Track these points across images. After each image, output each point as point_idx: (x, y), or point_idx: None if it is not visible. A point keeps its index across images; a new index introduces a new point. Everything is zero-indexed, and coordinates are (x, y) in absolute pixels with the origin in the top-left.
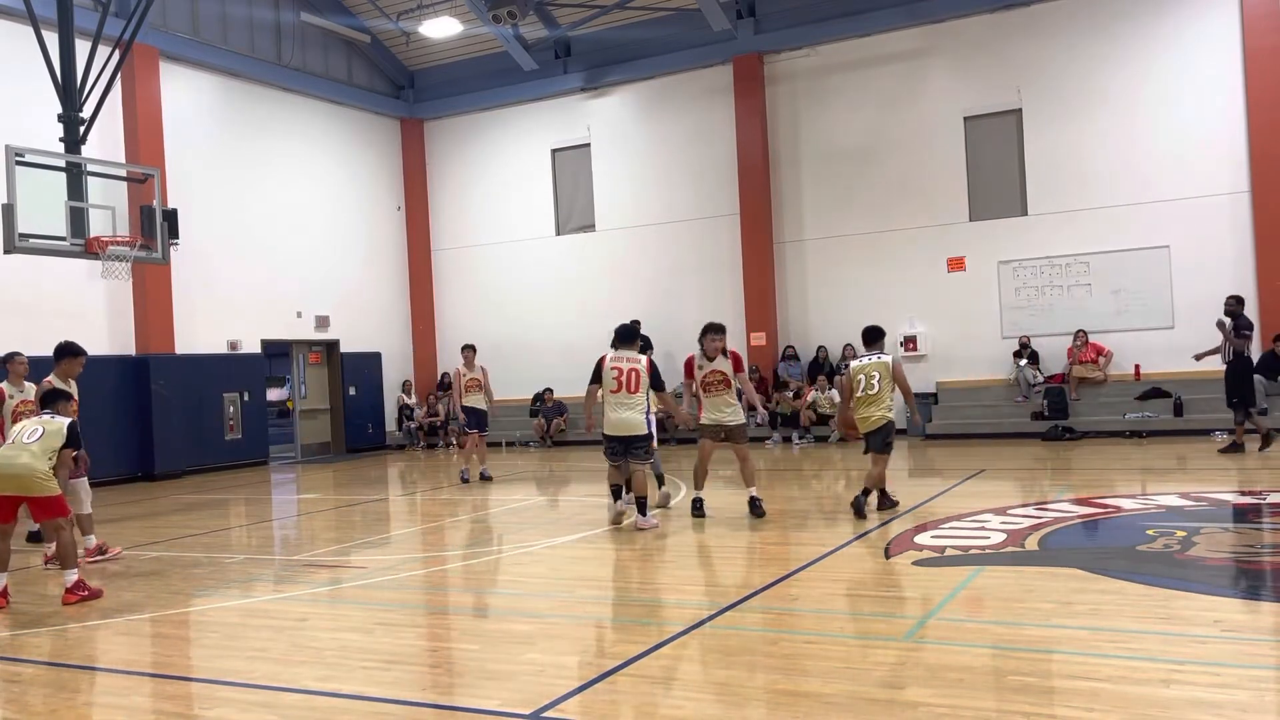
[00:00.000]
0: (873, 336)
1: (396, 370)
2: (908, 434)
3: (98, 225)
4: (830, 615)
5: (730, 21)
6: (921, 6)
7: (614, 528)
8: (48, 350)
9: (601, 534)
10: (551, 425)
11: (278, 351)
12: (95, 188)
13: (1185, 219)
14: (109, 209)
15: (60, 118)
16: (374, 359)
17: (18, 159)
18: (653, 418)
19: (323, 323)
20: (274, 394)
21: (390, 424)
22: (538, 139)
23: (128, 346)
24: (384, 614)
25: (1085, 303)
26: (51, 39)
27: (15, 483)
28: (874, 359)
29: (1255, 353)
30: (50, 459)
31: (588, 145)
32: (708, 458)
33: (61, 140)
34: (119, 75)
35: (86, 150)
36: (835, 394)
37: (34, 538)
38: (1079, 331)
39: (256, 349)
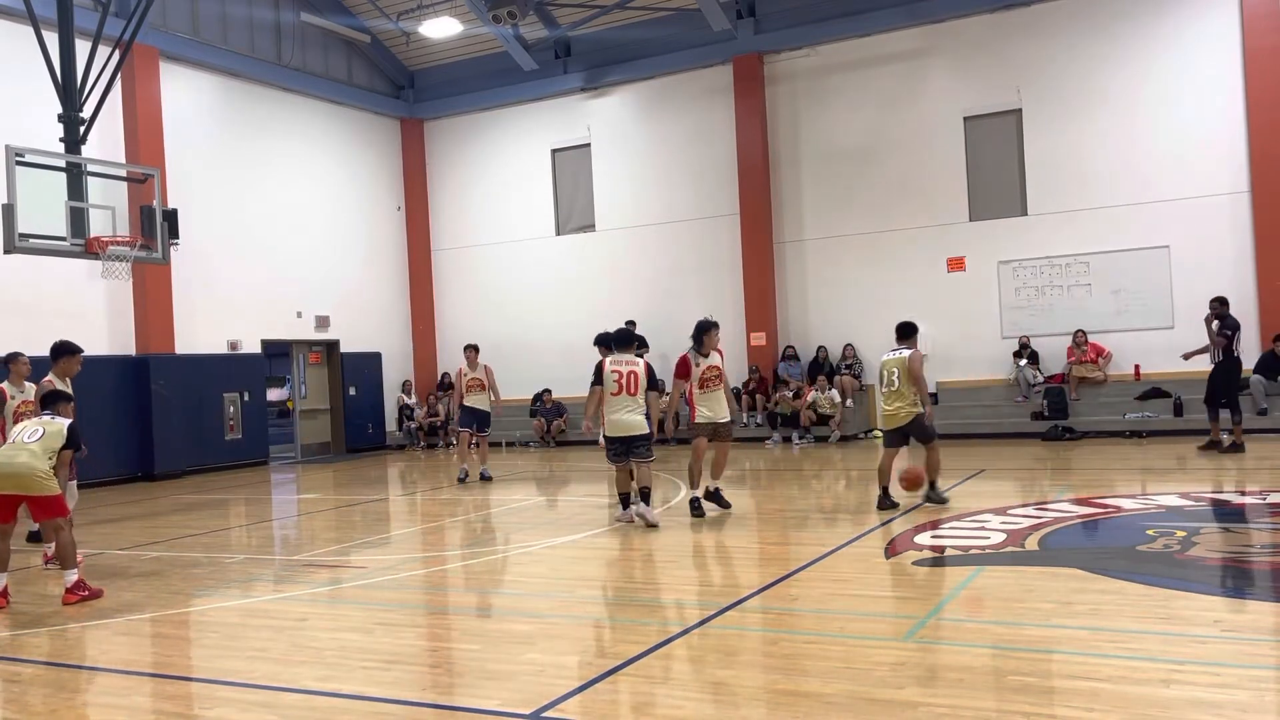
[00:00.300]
0: (902, 331)
1: (396, 370)
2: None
3: (98, 225)
4: (830, 615)
5: (730, 21)
6: (921, 6)
7: (613, 528)
8: (48, 350)
9: (601, 534)
10: (551, 426)
11: (278, 351)
12: (95, 188)
13: (1185, 219)
14: (109, 209)
15: (60, 118)
16: (374, 359)
17: (18, 159)
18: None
19: (323, 323)
20: (274, 394)
21: (390, 424)
22: (538, 139)
23: (128, 346)
24: (384, 614)
25: (1085, 303)
26: (51, 39)
27: (15, 482)
28: (895, 354)
29: (1255, 352)
30: (50, 459)
31: (588, 145)
32: (702, 456)
33: (61, 140)
34: (119, 75)
35: (86, 150)
36: (835, 394)
37: (34, 538)
38: (1078, 331)
39: (256, 349)
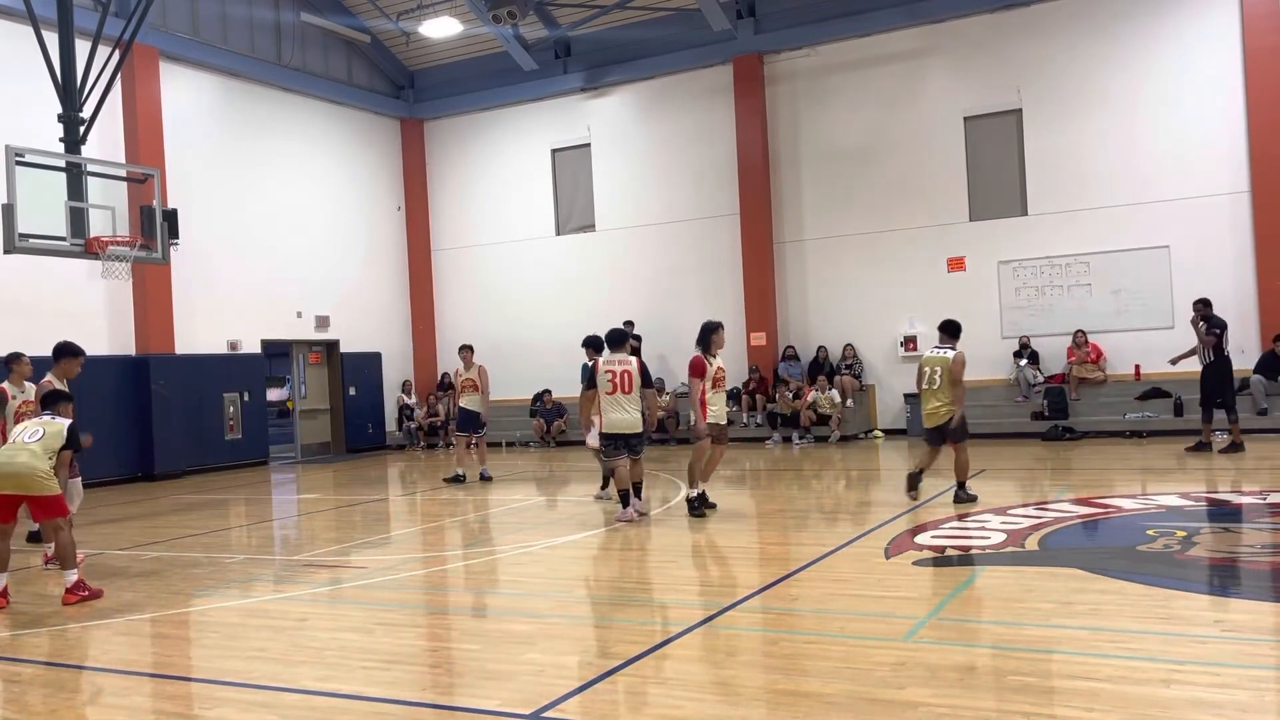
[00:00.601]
0: (946, 329)
1: (396, 370)
2: (907, 433)
3: (98, 225)
4: (830, 615)
5: (730, 21)
6: (921, 6)
7: (614, 528)
8: (48, 350)
9: (601, 534)
10: (551, 426)
11: (278, 351)
12: (95, 188)
13: (1185, 219)
14: (109, 209)
15: (60, 118)
16: (374, 359)
17: (18, 159)
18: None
19: (323, 323)
20: (274, 394)
21: (390, 424)
22: (538, 139)
23: (128, 346)
24: (384, 614)
25: (1085, 303)
26: (51, 39)
27: (15, 482)
28: (940, 353)
29: (1255, 352)
30: (50, 459)
31: (588, 145)
32: (704, 456)
33: (61, 140)
34: (119, 75)
35: (86, 150)
36: (835, 394)
37: (34, 538)
38: (1078, 331)
39: (256, 349)
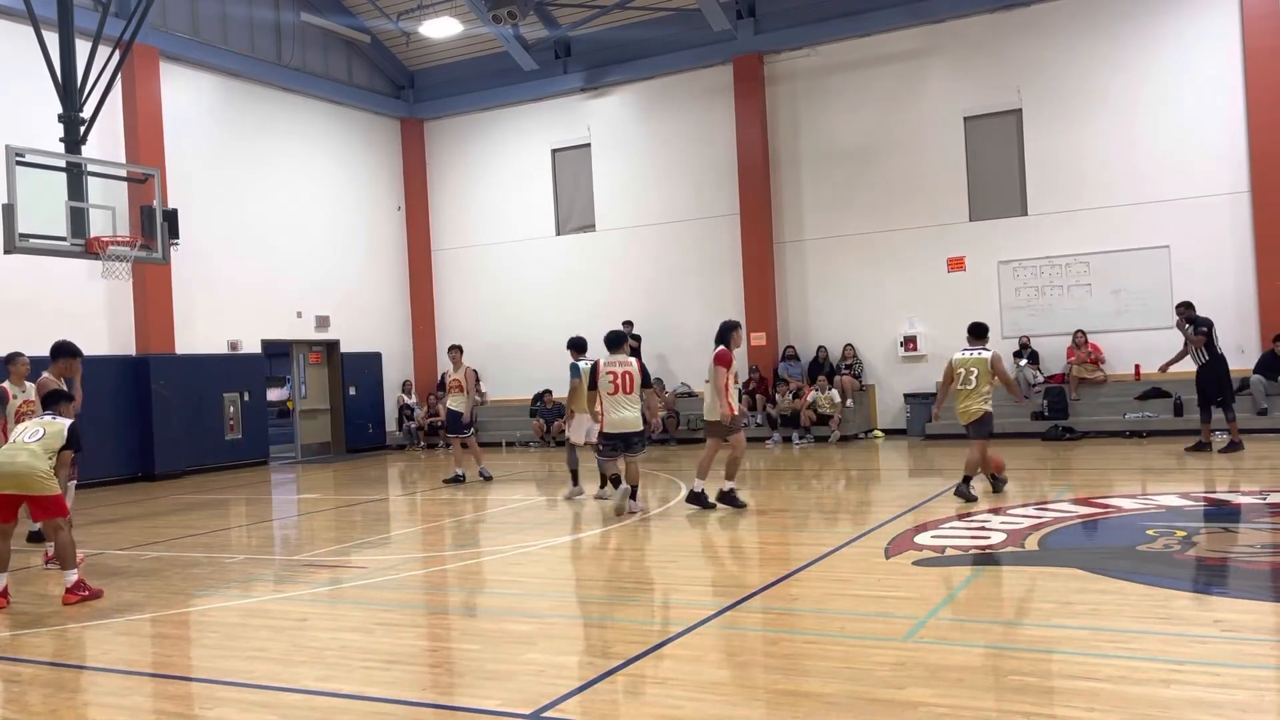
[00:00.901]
0: (976, 331)
1: (397, 370)
2: (907, 433)
3: (98, 225)
4: (830, 615)
5: (730, 21)
6: (921, 6)
7: (615, 526)
8: (48, 350)
9: (601, 534)
10: (551, 426)
11: (278, 351)
12: (95, 188)
13: (1185, 219)
14: (109, 209)
15: (60, 118)
16: (374, 359)
17: (18, 159)
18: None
19: (323, 323)
20: (274, 394)
21: (390, 424)
22: (538, 139)
23: (128, 346)
24: (384, 614)
25: (1085, 303)
26: (52, 39)
27: (15, 481)
28: (973, 354)
29: (1255, 352)
30: (50, 459)
31: (588, 145)
32: (742, 447)
33: (62, 140)
34: (119, 75)
35: (87, 150)
36: (835, 394)
37: (34, 538)
38: (1078, 332)
39: (257, 349)
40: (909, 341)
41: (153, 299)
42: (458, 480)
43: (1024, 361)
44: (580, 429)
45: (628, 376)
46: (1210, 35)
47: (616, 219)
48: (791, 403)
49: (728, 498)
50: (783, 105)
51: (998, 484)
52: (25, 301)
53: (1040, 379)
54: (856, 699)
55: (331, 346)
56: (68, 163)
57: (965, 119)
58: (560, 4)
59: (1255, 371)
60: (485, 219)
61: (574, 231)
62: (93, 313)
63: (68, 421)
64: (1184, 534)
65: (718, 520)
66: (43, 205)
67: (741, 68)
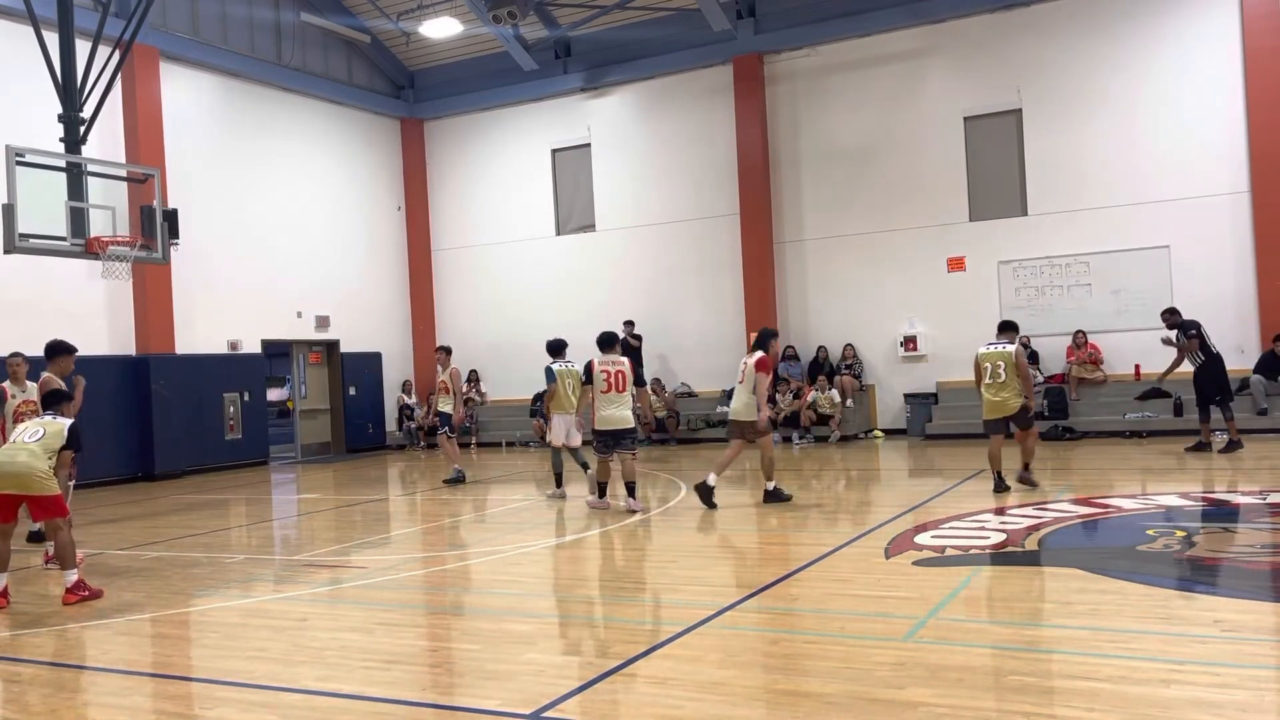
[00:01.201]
0: (1002, 327)
1: (397, 370)
2: (907, 433)
3: (98, 225)
4: (830, 615)
5: (730, 21)
6: (921, 6)
7: (615, 527)
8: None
9: (600, 534)
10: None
11: (278, 351)
12: (95, 188)
13: (1185, 219)
14: (109, 209)
15: (60, 118)
16: (374, 359)
17: (18, 159)
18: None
19: (323, 323)
20: (274, 394)
21: (390, 424)
22: (538, 139)
23: (128, 346)
24: (384, 614)
25: (1085, 303)
26: (52, 39)
27: (15, 481)
28: (998, 348)
29: (1255, 352)
30: (50, 459)
31: (588, 145)
32: (771, 449)
33: (62, 140)
34: (119, 75)
35: (87, 150)
36: (835, 394)
37: (34, 538)
38: (1078, 332)
39: (257, 349)
40: (909, 341)
41: (153, 299)
42: (458, 480)
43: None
44: (560, 431)
45: (620, 375)
46: (1210, 35)
47: (616, 219)
48: (791, 403)
49: (774, 495)
50: (783, 105)
51: (1002, 485)
52: (25, 301)
53: (1040, 379)
54: (856, 699)
55: (331, 346)
56: (68, 163)
57: (965, 119)
58: (560, 4)
59: (1255, 371)
60: (485, 219)
61: (574, 231)
62: (93, 313)
63: (68, 421)
64: (1184, 534)
65: (717, 520)
66: (43, 205)
67: (741, 68)
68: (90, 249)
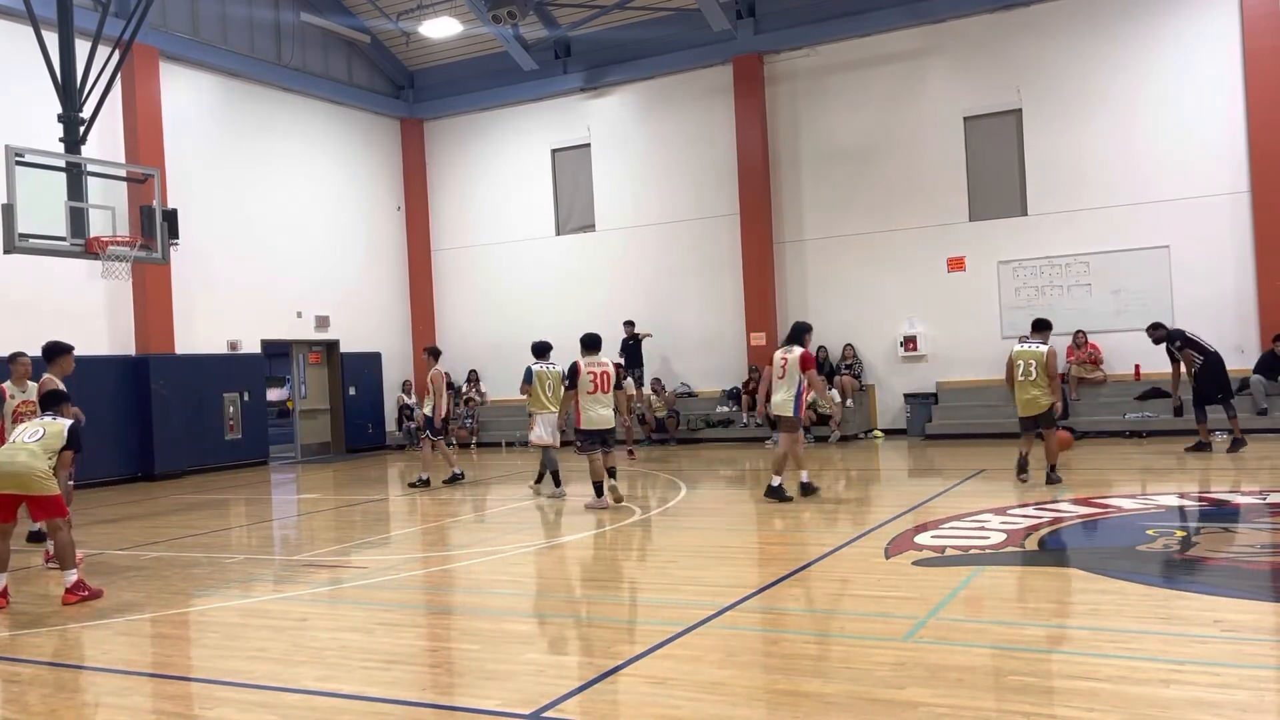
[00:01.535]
0: (1037, 325)
1: (396, 370)
2: (907, 433)
3: (98, 225)
4: (830, 615)
5: (730, 21)
6: (921, 6)
7: (614, 527)
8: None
9: (600, 534)
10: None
11: (278, 351)
12: (95, 188)
13: (1185, 219)
14: (109, 209)
15: (60, 118)
16: (374, 359)
17: (17, 159)
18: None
19: (323, 323)
20: (274, 394)
21: (390, 424)
22: (538, 139)
23: (127, 346)
24: (384, 614)
25: (1085, 303)
26: (51, 39)
27: (14, 481)
28: (1031, 346)
29: (1255, 352)
30: (50, 459)
31: (588, 145)
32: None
33: (61, 140)
34: (119, 75)
35: (86, 150)
36: (835, 394)
37: (33, 537)
38: (1078, 332)
39: (256, 349)
40: (909, 341)
41: (152, 299)
42: (457, 479)
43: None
44: (545, 431)
45: (605, 376)
46: (1210, 35)
47: (616, 219)
48: None
49: (776, 491)
50: (783, 105)
51: (1025, 470)
52: (25, 302)
53: None
54: (856, 699)
55: (331, 346)
56: (67, 163)
57: (965, 119)
58: (560, 4)
59: (1255, 371)
60: (485, 219)
61: (574, 231)
62: (92, 313)
63: (68, 422)
64: (1183, 534)
65: (717, 521)
66: (42, 205)
67: (741, 68)
68: (90, 249)
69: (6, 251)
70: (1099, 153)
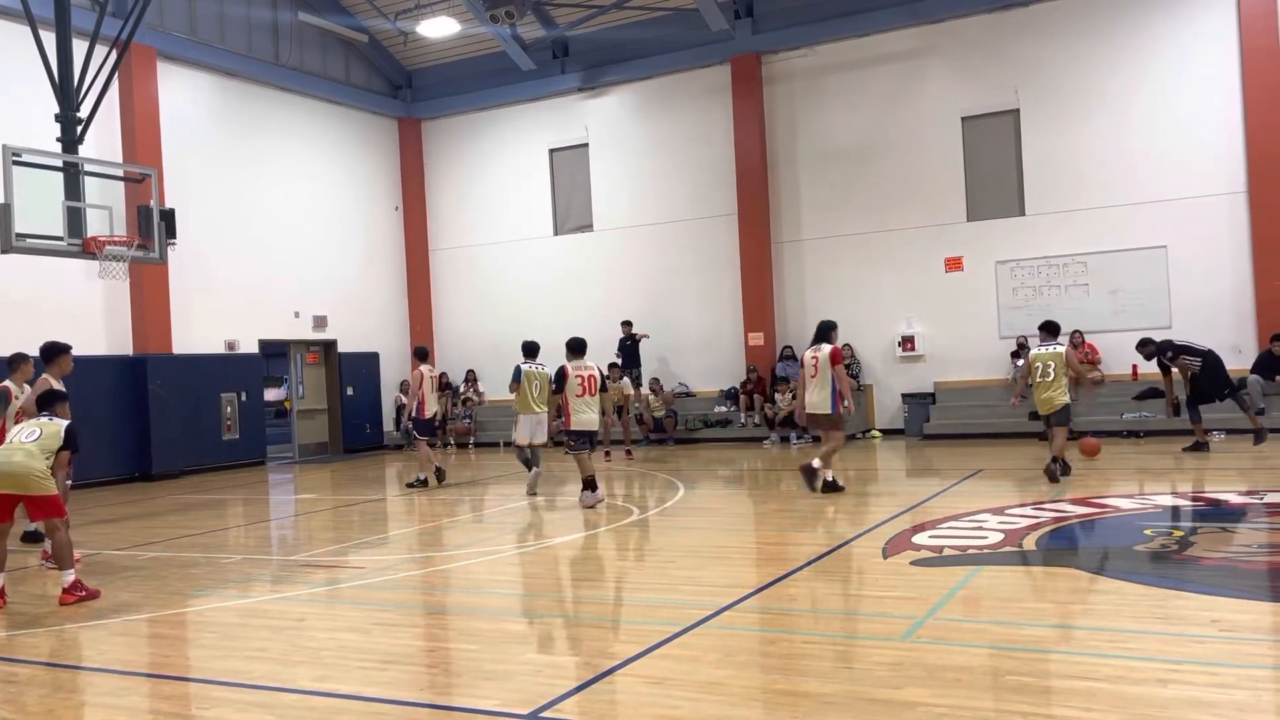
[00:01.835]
0: (1049, 329)
1: (394, 370)
2: (904, 433)
3: (95, 225)
4: (828, 615)
5: (728, 21)
6: (920, 6)
7: (612, 527)
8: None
9: (599, 534)
10: (550, 426)
11: (275, 351)
12: (92, 187)
13: (1182, 219)
14: (106, 209)
15: (57, 117)
16: (372, 359)
17: (15, 159)
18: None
19: (320, 323)
20: (271, 394)
21: (388, 424)
22: (535, 139)
23: (125, 346)
24: (382, 614)
25: (1083, 303)
26: (49, 39)
27: (12, 481)
28: (1048, 349)
29: (1252, 353)
30: (47, 459)
31: (585, 145)
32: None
33: (59, 140)
34: (116, 75)
35: (84, 150)
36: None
37: (29, 537)
38: (1075, 332)
39: (254, 349)
40: (906, 341)
41: (150, 299)
42: (438, 476)
43: (1021, 361)
44: (526, 430)
45: (592, 380)
46: (1208, 35)
47: (614, 219)
48: (790, 403)
49: (831, 486)
50: (780, 105)
51: (1066, 469)
52: (22, 302)
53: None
54: (854, 699)
55: (329, 346)
56: (65, 162)
57: (963, 119)
58: (558, 4)
59: (1253, 371)
60: (483, 219)
61: (572, 231)
62: (90, 313)
63: (65, 422)
64: (1181, 534)
65: (715, 521)
66: (40, 205)
67: (739, 68)
68: (87, 249)
69: (4, 251)
70: (1097, 153)
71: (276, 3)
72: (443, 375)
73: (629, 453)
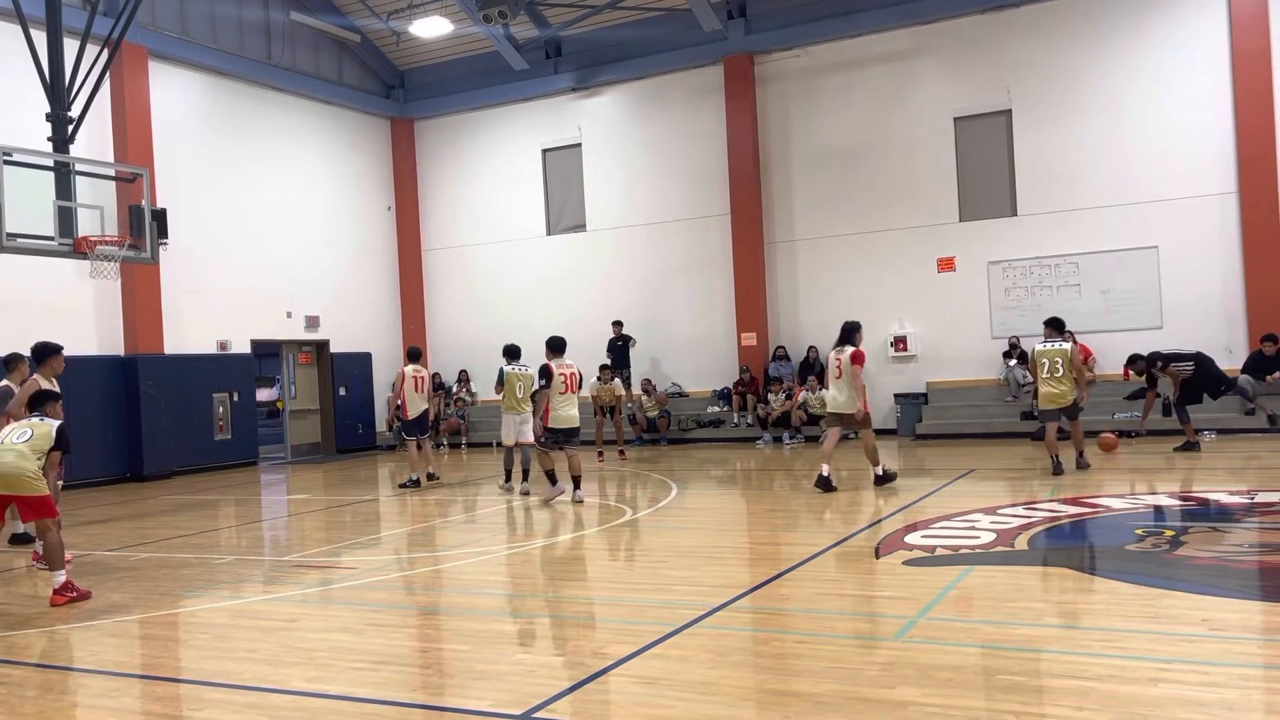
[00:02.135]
0: (1054, 325)
1: (387, 370)
2: (897, 433)
3: (86, 225)
4: (821, 615)
5: (721, 22)
6: (912, 7)
7: (605, 527)
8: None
9: (593, 534)
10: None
11: (267, 352)
12: (83, 187)
13: (1174, 220)
14: (97, 208)
15: (48, 117)
16: (364, 359)
17: (5, 158)
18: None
19: (313, 323)
20: (264, 394)
21: (380, 424)
22: (528, 139)
23: (116, 347)
24: (374, 615)
25: (1074, 303)
26: (40, 38)
27: (3, 482)
28: (1054, 345)
29: (1242, 353)
30: (39, 459)
31: (578, 145)
32: (837, 440)
33: (50, 139)
34: (108, 74)
35: (75, 149)
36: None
37: (17, 539)
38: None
39: (246, 349)
40: (899, 341)
41: (141, 299)
42: (410, 484)
43: (1013, 362)
44: (510, 430)
45: (573, 377)
46: (1199, 37)
47: (607, 219)
48: (783, 403)
49: (884, 478)
50: (773, 105)
51: (1061, 470)
52: (13, 302)
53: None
54: (847, 699)
55: (321, 347)
56: (55, 162)
57: (955, 119)
58: (551, 4)
59: (1243, 371)
60: (476, 219)
61: (564, 231)
62: (81, 313)
63: (56, 423)
64: (1172, 533)
65: (709, 521)
66: (30, 205)
67: (732, 68)
68: (78, 248)
69: None
70: (1089, 154)
71: (269, 2)
72: (435, 375)
73: (622, 453)
